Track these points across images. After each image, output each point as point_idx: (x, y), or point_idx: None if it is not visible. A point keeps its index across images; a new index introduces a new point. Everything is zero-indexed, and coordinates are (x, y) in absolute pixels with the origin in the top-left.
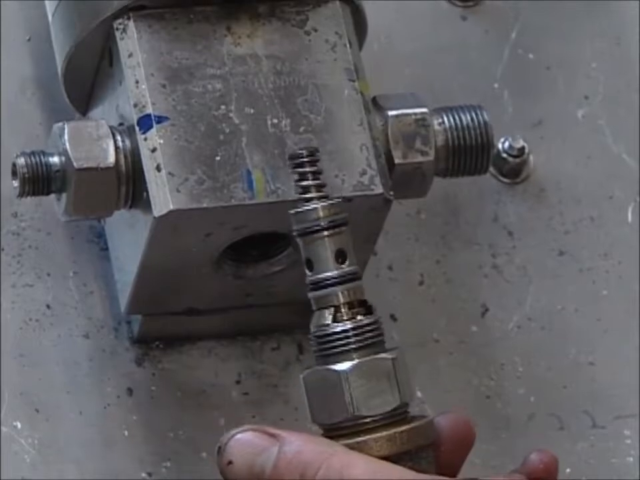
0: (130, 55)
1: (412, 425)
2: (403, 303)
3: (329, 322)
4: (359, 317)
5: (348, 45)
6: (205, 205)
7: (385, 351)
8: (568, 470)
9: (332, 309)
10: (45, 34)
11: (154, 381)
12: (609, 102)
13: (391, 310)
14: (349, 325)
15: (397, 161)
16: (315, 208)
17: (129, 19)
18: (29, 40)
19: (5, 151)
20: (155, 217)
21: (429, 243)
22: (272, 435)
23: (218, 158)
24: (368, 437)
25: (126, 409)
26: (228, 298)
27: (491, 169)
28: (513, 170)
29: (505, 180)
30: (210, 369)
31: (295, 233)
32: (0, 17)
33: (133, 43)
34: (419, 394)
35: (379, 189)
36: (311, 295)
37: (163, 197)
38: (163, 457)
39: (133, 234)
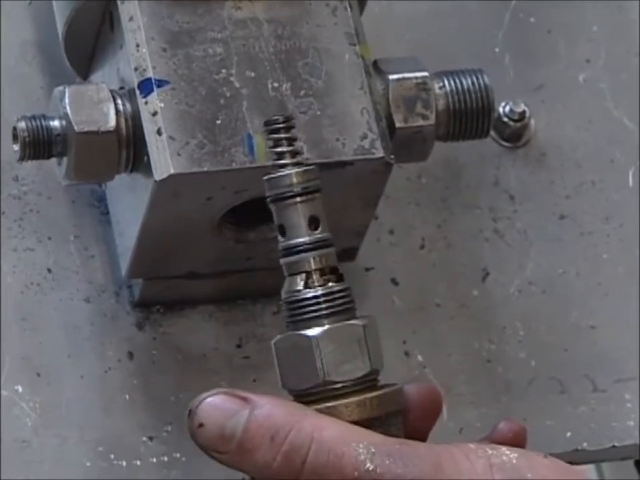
0: (131, 19)
1: (382, 391)
2: (404, 267)
3: (301, 288)
4: (330, 284)
5: (349, 9)
6: (205, 169)
7: (355, 317)
8: (568, 434)
9: (303, 275)
10: None
11: (155, 345)
12: (610, 66)
13: (392, 274)
14: (320, 291)
15: (397, 124)
16: (289, 174)
17: None
18: (29, 4)
19: (6, 115)
20: (155, 181)
21: (429, 207)
22: (243, 399)
23: (219, 122)
24: (338, 402)
25: (127, 373)
26: (228, 262)
27: (492, 133)
28: (514, 134)
29: (506, 144)
30: (211, 332)
31: (268, 199)
32: None
33: (134, 7)
34: (419, 358)
35: (379, 153)
36: (282, 261)
37: (164, 160)
38: (163, 421)
39: (133, 198)
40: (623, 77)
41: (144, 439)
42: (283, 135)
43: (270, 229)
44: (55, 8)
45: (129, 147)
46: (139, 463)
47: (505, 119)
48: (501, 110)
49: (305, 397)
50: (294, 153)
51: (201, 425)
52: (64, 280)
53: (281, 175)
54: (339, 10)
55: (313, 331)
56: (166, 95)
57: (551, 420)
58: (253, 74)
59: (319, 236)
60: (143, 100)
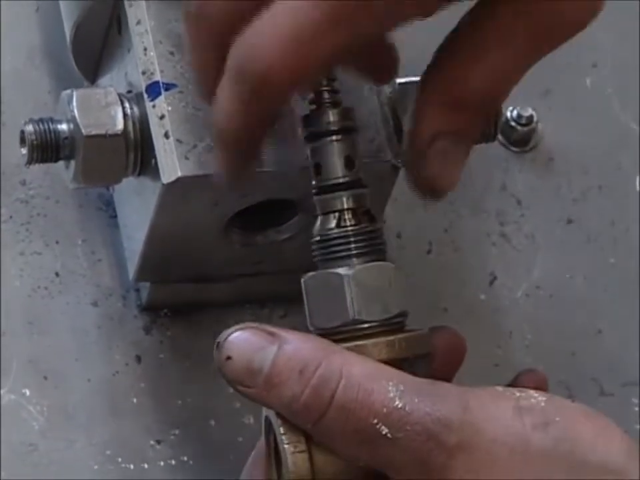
0: (138, 22)
1: (411, 333)
2: (412, 271)
3: (333, 226)
4: (363, 224)
5: None
6: (212, 172)
7: (385, 259)
8: None
9: (337, 214)
10: (53, 2)
11: (162, 349)
12: (617, 71)
13: None
14: (353, 230)
15: (405, 127)
16: (327, 112)
17: None
18: (37, 10)
19: (14, 119)
20: (163, 184)
21: (437, 211)
22: (271, 333)
23: None
24: (367, 341)
25: (134, 376)
26: (236, 265)
27: (500, 137)
28: (522, 138)
29: (514, 148)
30: (218, 336)
31: (304, 137)
32: None
33: (141, 10)
34: None
35: (387, 156)
36: (316, 198)
37: (172, 163)
38: (171, 425)
39: (141, 201)
40: (630, 81)
41: (151, 442)
42: (325, 81)
43: (277, 232)
44: (63, 12)
45: (136, 150)
46: (146, 466)
47: (513, 124)
48: (508, 114)
49: (333, 336)
50: (332, 92)
51: (228, 358)
52: (71, 283)
53: (318, 113)
54: None
55: (345, 270)
56: (173, 98)
57: None
58: None
59: (354, 176)
60: (151, 103)
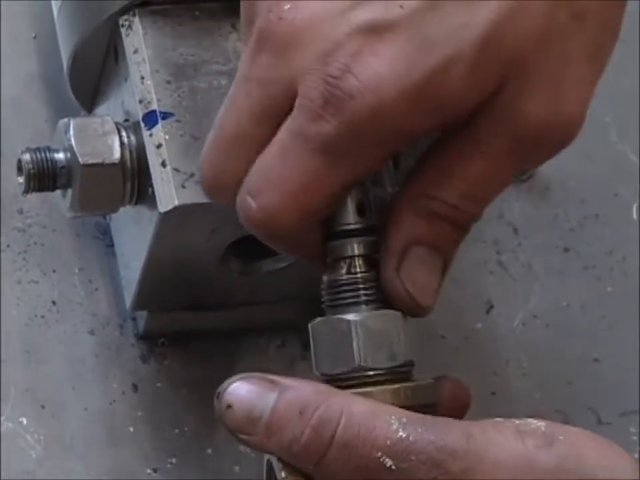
0: (135, 51)
1: (416, 382)
2: None
3: (343, 272)
4: (373, 271)
5: None
6: (210, 201)
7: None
8: None
9: (347, 260)
10: (51, 31)
11: (159, 378)
12: (614, 100)
13: None
14: (362, 277)
15: (401, 156)
16: None
17: (134, 15)
18: (34, 37)
19: (11, 148)
20: (160, 213)
21: None
22: (272, 382)
23: None
24: (372, 388)
25: (131, 405)
26: (233, 294)
27: None
28: None
29: None
30: (215, 365)
31: None
32: (4, 14)
33: (139, 39)
34: None
35: (386, 188)
36: (329, 244)
37: (169, 192)
38: (168, 453)
39: (138, 230)
40: (627, 110)
41: (148, 470)
42: None
43: (274, 261)
44: (60, 41)
45: (133, 179)
46: None
47: None
48: None
49: (339, 382)
50: None
51: (229, 407)
52: (68, 312)
53: None
54: None
55: (353, 316)
56: (170, 127)
57: None
58: None
59: (366, 223)
60: (148, 132)
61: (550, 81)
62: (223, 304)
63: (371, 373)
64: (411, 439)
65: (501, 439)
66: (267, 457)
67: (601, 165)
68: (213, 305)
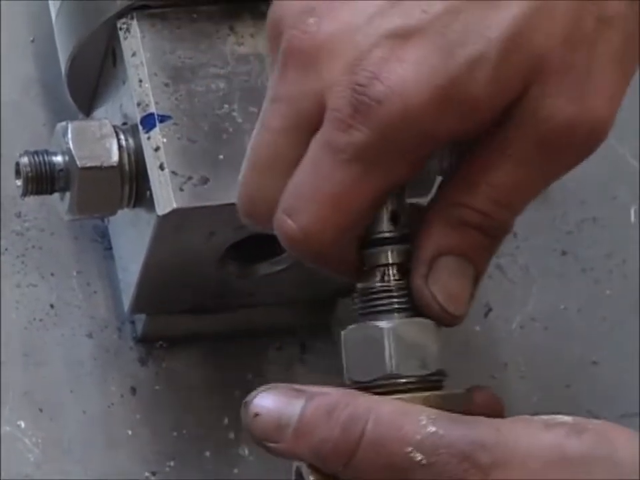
0: (133, 54)
1: (447, 391)
2: None
3: (377, 280)
4: (406, 279)
5: None
6: (208, 204)
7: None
8: None
9: (381, 268)
10: (49, 34)
11: (157, 380)
12: None
13: None
14: (396, 285)
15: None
16: None
17: (132, 18)
18: (32, 41)
19: (9, 151)
20: (158, 216)
21: None
22: (298, 390)
23: (221, 157)
24: (403, 395)
25: (129, 408)
26: (231, 297)
27: None
28: None
29: None
30: (213, 368)
31: None
32: (3, 18)
33: (137, 42)
34: None
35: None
36: (362, 252)
37: (166, 195)
38: (166, 456)
39: (136, 233)
40: (626, 114)
41: (147, 474)
42: None
43: (272, 264)
44: (58, 44)
45: (131, 182)
46: None
47: None
48: None
49: (369, 390)
50: None
51: (256, 415)
52: (67, 315)
53: None
54: None
55: (386, 323)
56: (168, 130)
57: None
58: (255, 109)
59: (400, 231)
60: (146, 135)
61: (576, 83)
62: (221, 307)
63: (402, 380)
64: (440, 432)
65: (530, 431)
66: (295, 464)
67: (600, 168)
68: (211, 307)
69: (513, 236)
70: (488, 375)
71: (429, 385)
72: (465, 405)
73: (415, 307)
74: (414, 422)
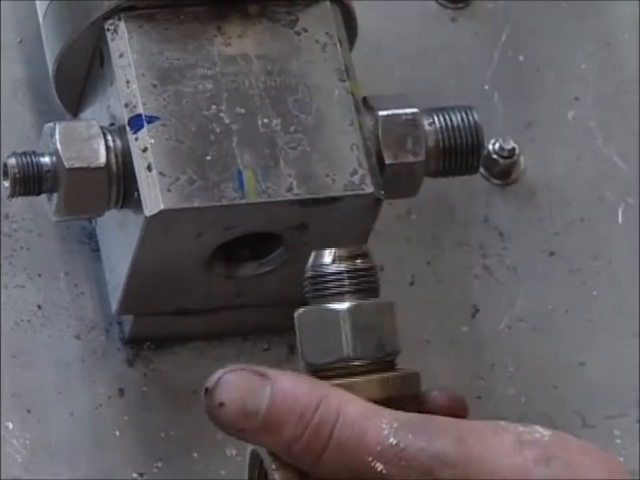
0: (121, 55)
1: (403, 372)
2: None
3: (328, 262)
4: (357, 261)
5: (338, 45)
6: (195, 205)
7: (379, 297)
8: None
9: (332, 250)
10: (36, 36)
11: (145, 382)
12: (599, 103)
13: None
14: (347, 267)
15: (387, 161)
16: None
17: (119, 19)
18: (20, 42)
19: None
20: (145, 217)
21: (419, 243)
22: (261, 374)
23: (209, 158)
24: (360, 378)
25: (117, 409)
26: (219, 298)
27: (482, 170)
28: (504, 171)
29: (496, 181)
30: (201, 369)
31: None
32: None
33: (124, 43)
34: None
35: (369, 189)
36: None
37: (154, 196)
38: (154, 457)
39: (124, 234)
40: (612, 114)
41: (134, 475)
42: None
43: (259, 265)
44: (45, 45)
45: (119, 183)
46: None
47: (495, 156)
48: (490, 147)
49: (325, 372)
50: None
51: (221, 404)
52: (54, 316)
53: None
54: (328, 46)
55: (340, 305)
56: (156, 131)
57: None
58: (243, 110)
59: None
60: (133, 136)
61: None
62: (209, 308)
63: (358, 362)
64: (401, 445)
65: (498, 446)
66: (251, 447)
67: (587, 169)
68: (199, 308)
69: (500, 237)
70: (475, 375)
71: (384, 365)
72: (418, 386)
73: (368, 289)
74: (377, 429)
